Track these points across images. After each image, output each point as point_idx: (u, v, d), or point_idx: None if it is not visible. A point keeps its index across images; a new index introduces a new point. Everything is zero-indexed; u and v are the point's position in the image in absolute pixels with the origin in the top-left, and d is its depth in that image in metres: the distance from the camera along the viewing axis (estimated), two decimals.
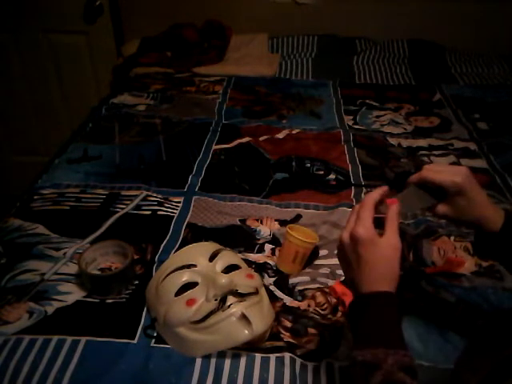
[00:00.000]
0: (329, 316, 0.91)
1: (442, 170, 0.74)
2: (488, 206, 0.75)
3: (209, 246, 0.94)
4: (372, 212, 0.70)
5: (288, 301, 0.95)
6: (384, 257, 0.67)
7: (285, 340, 0.87)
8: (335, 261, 1.05)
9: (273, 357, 0.83)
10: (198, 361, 0.82)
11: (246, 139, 1.54)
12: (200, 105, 1.74)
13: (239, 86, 1.91)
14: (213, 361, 0.82)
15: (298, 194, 1.29)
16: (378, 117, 1.72)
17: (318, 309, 0.92)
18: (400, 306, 0.66)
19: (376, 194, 0.72)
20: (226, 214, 1.20)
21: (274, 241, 1.12)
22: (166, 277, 0.87)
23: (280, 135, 1.57)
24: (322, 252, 1.08)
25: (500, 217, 0.74)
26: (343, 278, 0.96)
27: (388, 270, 0.67)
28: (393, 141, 1.56)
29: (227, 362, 0.82)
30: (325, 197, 1.29)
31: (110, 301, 0.94)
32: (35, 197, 1.23)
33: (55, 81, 2.30)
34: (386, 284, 0.67)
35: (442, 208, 0.75)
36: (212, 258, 0.90)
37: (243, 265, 0.93)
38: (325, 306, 0.92)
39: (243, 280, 0.87)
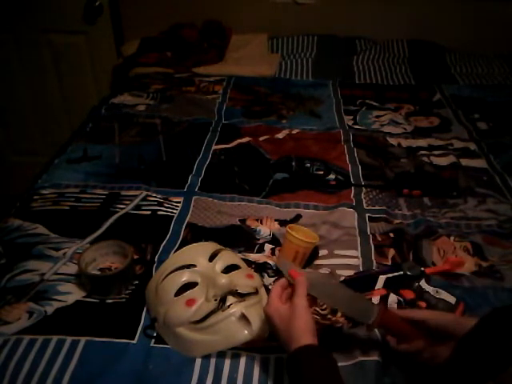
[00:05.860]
0: (328, 316, 0.91)
1: None
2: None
3: (208, 246, 0.94)
4: (277, 291, 0.77)
5: None
6: (289, 317, 0.73)
7: None
8: (335, 261, 1.06)
9: (273, 357, 0.83)
10: (198, 361, 0.82)
11: (245, 139, 1.54)
12: (200, 105, 1.74)
13: (239, 86, 1.91)
14: (212, 361, 0.82)
15: (297, 194, 1.29)
16: (377, 117, 1.72)
17: (317, 309, 0.92)
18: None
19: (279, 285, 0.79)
20: (226, 214, 1.20)
21: (274, 241, 1.12)
22: (165, 277, 0.87)
23: (280, 135, 1.57)
24: (322, 252, 1.08)
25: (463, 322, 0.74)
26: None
27: (298, 326, 0.72)
28: (393, 141, 1.56)
29: (227, 362, 0.82)
30: (325, 197, 1.28)
31: (109, 301, 0.94)
32: (35, 197, 1.23)
33: (55, 81, 2.30)
34: (299, 338, 0.71)
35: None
36: (212, 258, 0.90)
37: (243, 265, 0.93)
38: (324, 306, 0.92)
39: (243, 280, 0.87)
